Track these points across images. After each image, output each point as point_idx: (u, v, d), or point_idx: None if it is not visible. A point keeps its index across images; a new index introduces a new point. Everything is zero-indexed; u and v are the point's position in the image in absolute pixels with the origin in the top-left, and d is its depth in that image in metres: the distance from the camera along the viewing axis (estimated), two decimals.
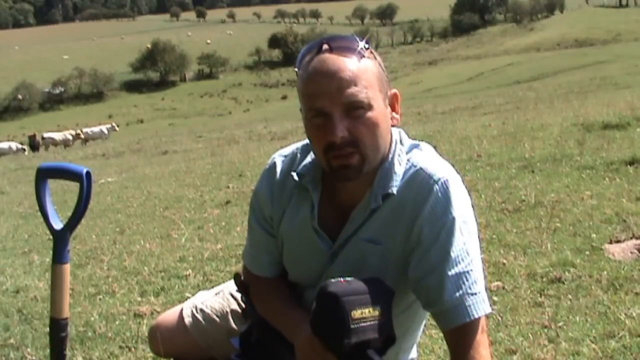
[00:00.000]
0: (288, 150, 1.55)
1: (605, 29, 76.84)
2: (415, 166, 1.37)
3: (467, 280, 1.30)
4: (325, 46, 1.31)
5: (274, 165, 1.52)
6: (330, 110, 1.28)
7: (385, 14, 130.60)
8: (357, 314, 1.12)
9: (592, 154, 5.64)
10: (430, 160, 1.39)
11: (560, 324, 2.45)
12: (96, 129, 31.70)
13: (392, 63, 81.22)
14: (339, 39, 1.33)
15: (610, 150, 5.74)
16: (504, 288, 2.88)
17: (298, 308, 1.43)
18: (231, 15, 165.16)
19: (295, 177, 1.44)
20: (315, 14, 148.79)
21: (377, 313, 1.15)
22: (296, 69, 1.36)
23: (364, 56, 1.31)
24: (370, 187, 1.38)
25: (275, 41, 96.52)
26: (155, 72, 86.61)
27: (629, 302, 2.59)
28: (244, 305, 1.62)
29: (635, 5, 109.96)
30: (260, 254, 1.55)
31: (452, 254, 1.30)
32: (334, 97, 1.27)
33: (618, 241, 3.32)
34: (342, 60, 1.29)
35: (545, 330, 2.43)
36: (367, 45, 1.33)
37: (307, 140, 1.49)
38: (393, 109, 1.39)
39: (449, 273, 1.29)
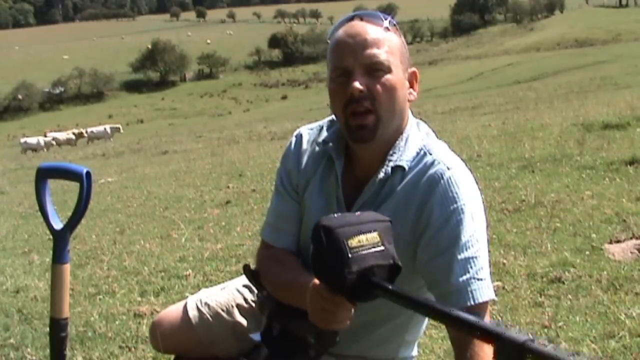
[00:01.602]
0: (314, 124, 1.62)
1: (605, 29, 76.86)
2: (430, 153, 1.42)
3: (474, 265, 1.32)
4: (356, 18, 1.42)
5: (300, 136, 1.59)
6: (353, 68, 1.36)
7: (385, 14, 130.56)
8: (353, 242, 1.08)
9: (592, 154, 5.64)
10: (445, 151, 1.44)
11: (560, 324, 2.45)
12: (100, 129, 31.78)
13: None
14: (369, 14, 1.44)
15: (610, 150, 5.74)
16: (504, 288, 2.88)
17: (307, 273, 1.41)
18: (231, 15, 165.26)
19: (321, 144, 1.52)
20: (315, 14, 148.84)
21: (375, 240, 1.11)
22: (328, 41, 1.46)
23: (389, 29, 1.41)
24: (384, 162, 1.43)
25: (275, 41, 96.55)
26: (155, 72, 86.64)
27: (629, 302, 2.59)
28: (256, 299, 1.60)
29: (635, 5, 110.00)
30: (287, 224, 1.57)
31: (463, 239, 1.32)
32: (357, 56, 1.36)
33: (618, 241, 3.32)
34: (369, 26, 1.39)
35: (545, 330, 2.43)
36: (394, 22, 1.42)
37: (332, 117, 1.55)
38: (411, 86, 1.46)
39: (458, 257, 1.32)
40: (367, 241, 1.10)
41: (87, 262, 4.18)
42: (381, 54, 1.36)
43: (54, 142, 27.38)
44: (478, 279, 1.32)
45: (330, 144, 1.50)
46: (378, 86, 1.36)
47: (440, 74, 56.40)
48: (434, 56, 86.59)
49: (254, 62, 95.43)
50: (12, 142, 38.89)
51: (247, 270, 1.60)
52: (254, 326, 1.73)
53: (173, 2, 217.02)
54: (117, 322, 2.97)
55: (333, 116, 1.54)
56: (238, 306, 1.78)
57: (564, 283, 2.85)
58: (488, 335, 0.83)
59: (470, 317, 0.91)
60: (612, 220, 3.68)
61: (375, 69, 1.36)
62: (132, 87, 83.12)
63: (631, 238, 3.34)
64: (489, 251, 3.17)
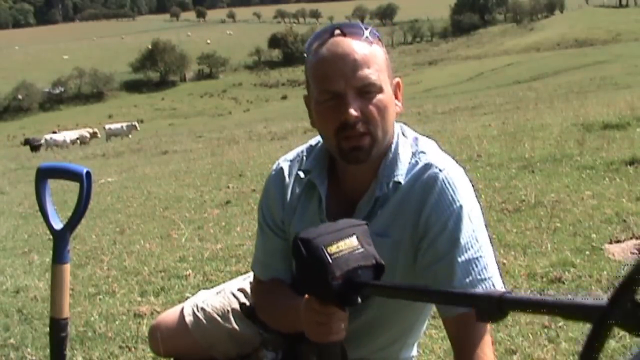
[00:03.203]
0: (292, 154, 1.56)
1: (605, 29, 76.90)
2: (419, 158, 1.39)
3: (476, 266, 1.30)
4: (337, 31, 1.35)
5: (280, 170, 1.54)
6: (345, 91, 1.30)
7: (385, 14, 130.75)
8: (332, 248, 1.09)
9: (592, 154, 5.64)
10: (435, 152, 1.41)
11: (560, 324, 2.45)
12: (117, 126, 31.79)
13: (392, 63, 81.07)
14: (349, 26, 1.37)
15: (610, 150, 5.74)
16: None
17: (298, 296, 1.40)
18: (231, 15, 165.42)
19: (302, 175, 1.47)
20: (315, 14, 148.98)
21: (354, 244, 1.11)
22: (305, 54, 1.40)
23: (372, 42, 1.35)
24: (375, 176, 1.39)
25: (275, 41, 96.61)
26: (155, 72, 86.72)
27: None
28: (260, 334, 1.60)
29: (635, 5, 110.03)
30: (275, 259, 1.53)
31: (462, 241, 1.30)
32: (348, 78, 1.30)
33: (618, 241, 3.32)
34: (355, 43, 1.33)
35: (545, 330, 2.43)
36: (375, 33, 1.38)
37: (309, 143, 1.52)
38: (396, 97, 1.42)
39: (459, 260, 1.29)
40: (346, 245, 1.10)
41: (87, 262, 4.18)
42: (372, 74, 1.30)
43: (78, 140, 27.58)
44: (482, 279, 1.30)
45: (312, 172, 1.46)
46: (371, 107, 1.31)
47: (440, 74, 56.42)
48: (434, 56, 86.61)
49: (254, 62, 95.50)
50: (12, 142, 38.88)
51: (244, 309, 1.61)
52: (249, 330, 1.73)
53: (173, 2, 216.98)
54: (117, 322, 2.97)
55: (310, 142, 1.50)
56: (233, 310, 1.78)
57: (564, 283, 2.85)
58: (469, 300, 0.85)
59: (453, 291, 0.96)
60: (612, 220, 3.68)
61: (368, 91, 1.31)
62: (132, 87, 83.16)
63: (631, 238, 3.34)
64: None
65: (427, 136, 1.49)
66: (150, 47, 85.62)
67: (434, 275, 1.32)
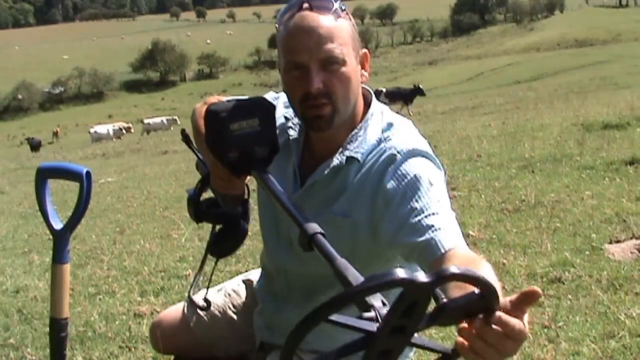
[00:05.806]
0: (282, 95, 1.59)
1: (605, 29, 76.84)
2: (385, 142, 1.41)
3: (437, 221, 1.25)
4: (305, 5, 1.40)
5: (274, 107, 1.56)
6: (308, 64, 1.36)
7: (385, 14, 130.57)
8: (235, 126, 1.26)
9: (592, 154, 5.64)
10: (404, 139, 1.42)
11: (560, 324, 2.45)
12: (157, 120, 31.53)
13: (392, 63, 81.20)
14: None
15: (610, 150, 5.75)
16: (504, 288, 2.88)
17: None
18: (231, 15, 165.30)
19: (287, 115, 1.55)
20: None
21: (255, 124, 1.28)
22: (276, 25, 1.45)
23: (340, 16, 1.40)
24: (341, 147, 1.44)
25: (275, 41, 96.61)
26: (155, 72, 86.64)
27: (629, 302, 2.59)
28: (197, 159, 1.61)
29: (635, 5, 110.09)
30: None
31: (423, 203, 1.27)
32: (312, 52, 1.36)
33: (618, 241, 3.32)
34: (320, 17, 1.38)
35: (545, 330, 2.43)
36: (343, 7, 1.42)
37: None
38: (363, 67, 1.47)
39: (424, 221, 1.25)
40: (247, 125, 1.27)
41: (87, 262, 4.18)
42: (335, 48, 1.35)
43: (124, 132, 27.75)
44: (439, 229, 1.23)
45: (291, 121, 1.54)
46: (334, 80, 1.36)
47: (440, 74, 56.38)
48: (434, 56, 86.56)
49: (254, 62, 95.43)
50: (12, 142, 38.88)
51: (183, 135, 1.59)
52: (250, 326, 1.73)
53: (173, 2, 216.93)
54: (117, 322, 2.97)
55: None
56: (234, 307, 1.79)
57: (564, 283, 2.85)
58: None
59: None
60: (612, 220, 3.68)
61: (331, 63, 1.36)
62: (132, 87, 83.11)
63: (631, 238, 3.34)
64: (489, 251, 3.15)
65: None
66: (150, 47, 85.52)
67: (404, 240, 1.27)
